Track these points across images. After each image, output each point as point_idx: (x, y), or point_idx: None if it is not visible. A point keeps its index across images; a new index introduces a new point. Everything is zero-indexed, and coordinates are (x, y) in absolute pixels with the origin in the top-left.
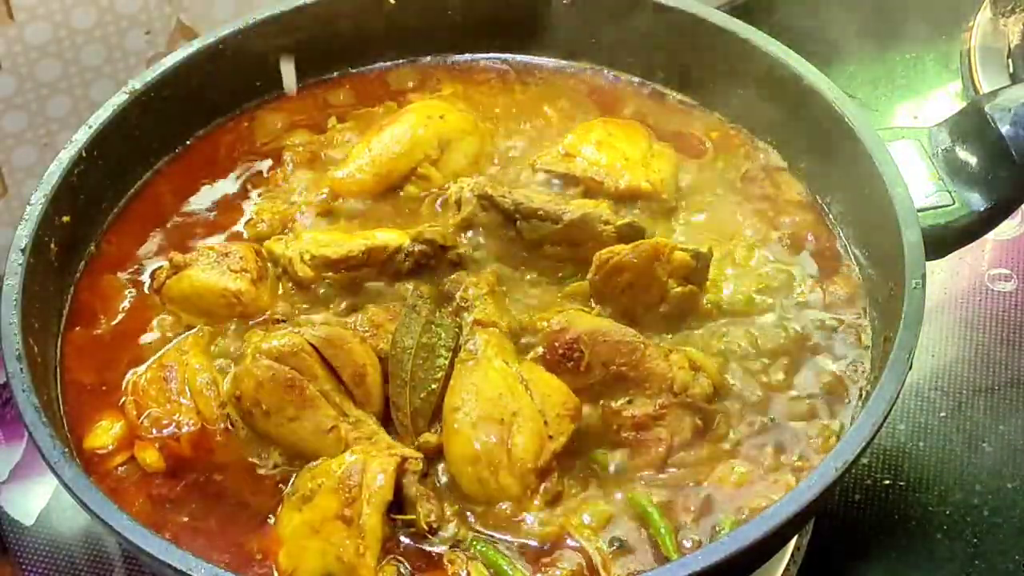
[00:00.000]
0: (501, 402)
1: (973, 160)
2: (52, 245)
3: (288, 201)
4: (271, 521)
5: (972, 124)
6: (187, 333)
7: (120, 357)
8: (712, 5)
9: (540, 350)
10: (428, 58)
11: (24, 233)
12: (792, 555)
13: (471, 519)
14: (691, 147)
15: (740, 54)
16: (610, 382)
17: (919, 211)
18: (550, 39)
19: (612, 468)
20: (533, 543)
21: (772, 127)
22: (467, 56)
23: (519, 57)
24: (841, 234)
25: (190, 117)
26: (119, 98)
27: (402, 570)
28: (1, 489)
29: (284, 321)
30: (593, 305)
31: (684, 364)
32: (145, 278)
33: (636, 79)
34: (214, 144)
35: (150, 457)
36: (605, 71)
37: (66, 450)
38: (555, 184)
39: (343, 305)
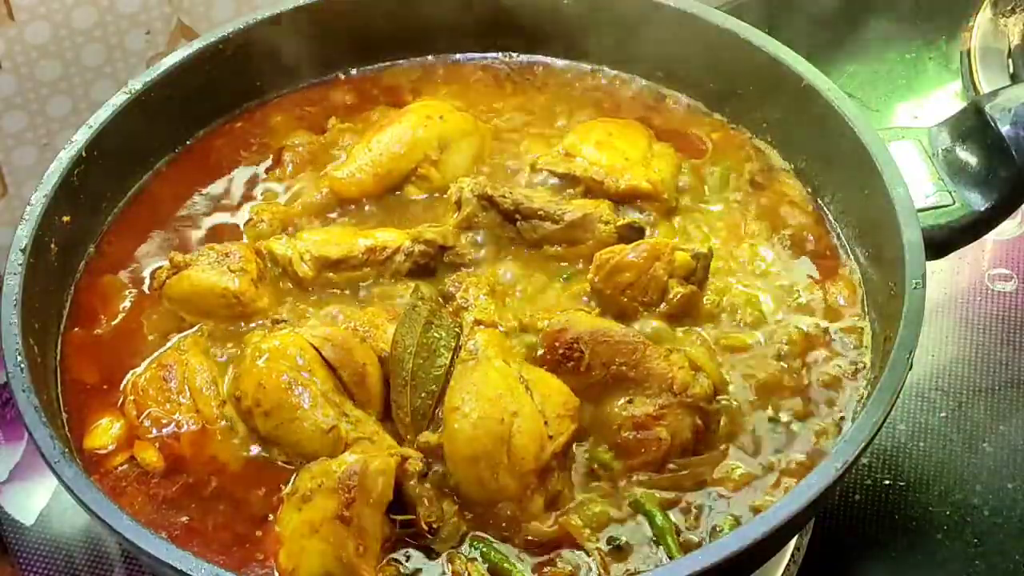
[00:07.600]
0: (501, 402)
1: (973, 160)
2: (52, 245)
3: (288, 201)
4: (271, 521)
5: (972, 124)
6: (187, 333)
7: (120, 357)
8: (712, 5)
9: (540, 350)
10: (428, 58)
11: (24, 233)
12: (792, 555)
13: (471, 519)
14: (691, 147)
15: (740, 54)
16: (610, 382)
17: (919, 211)
18: (550, 39)
19: (612, 468)
20: (533, 543)
21: (772, 127)
22: (467, 56)
23: (519, 57)
24: (841, 234)
25: (190, 117)
26: (119, 98)
27: (402, 570)
28: (1, 489)
29: (284, 321)
30: (593, 305)
31: (684, 364)
32: (145, 278)
33: (636, 79)
34: (214, 144)
35: (150, 457)
36: (605, 71)
37: (66, 450)
38: (555, 184)
39: (343, 305)
